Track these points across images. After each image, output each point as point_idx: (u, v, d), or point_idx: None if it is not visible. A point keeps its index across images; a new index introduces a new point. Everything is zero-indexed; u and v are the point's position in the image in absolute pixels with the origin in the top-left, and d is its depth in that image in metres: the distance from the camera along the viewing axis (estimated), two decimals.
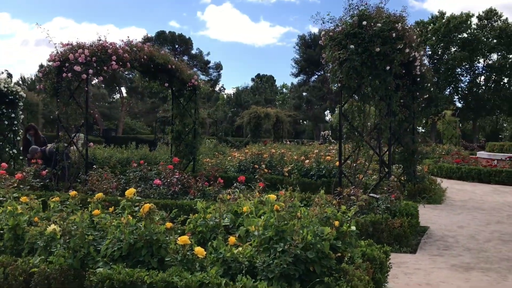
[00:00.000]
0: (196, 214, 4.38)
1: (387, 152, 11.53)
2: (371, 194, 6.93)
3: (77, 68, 9.41)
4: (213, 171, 7.54)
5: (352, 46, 7.16)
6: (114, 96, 59.35)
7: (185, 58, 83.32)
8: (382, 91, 7.25)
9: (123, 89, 57.91)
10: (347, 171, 7.92)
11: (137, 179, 8.61)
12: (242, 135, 41.34)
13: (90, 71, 9.59)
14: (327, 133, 35.22)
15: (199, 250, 3.46)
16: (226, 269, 3.42)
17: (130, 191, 4.57)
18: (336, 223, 3.73)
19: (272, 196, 4.38)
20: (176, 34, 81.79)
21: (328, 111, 67.06)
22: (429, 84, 11.06)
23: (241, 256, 3.48)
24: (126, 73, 56.72)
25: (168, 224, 3.85)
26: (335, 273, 3.59)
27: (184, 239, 3.51)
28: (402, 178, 11.24)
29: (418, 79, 10.73)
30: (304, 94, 70.22)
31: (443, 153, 27.31)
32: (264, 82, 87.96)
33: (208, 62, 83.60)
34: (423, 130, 67.55)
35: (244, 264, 3.43)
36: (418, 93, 10.89)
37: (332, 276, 3.43)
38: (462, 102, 62.19)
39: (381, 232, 6.03)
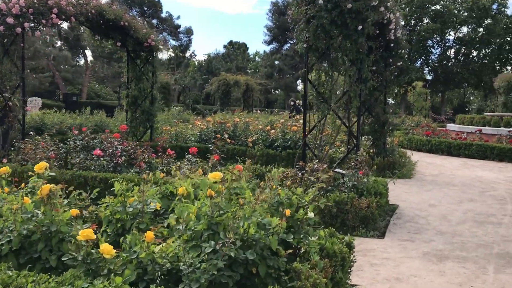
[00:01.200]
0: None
1: (356, 123, 10.91)
2: (336, 170, 6.20)
3: (10, 20, 8.21)
4: (162, 142, 6.62)
5: (321, 1, 6.26)
6: (78, 60, 56.41)
7: (154, 21, 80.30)
8: (352, 54, 6.42)
9: (88, 52, 55.19)
10: (312, 143, 7.17)
11: (78, 148, 7.62)
12: (213, 103, 40.20)
13: (26, 24, 8.41)
14: (298, 102, 34.32)
15: (105, 248, 2.61)
16: (140, 274, 2.60)
17: (40, 166, 3.68)
18: (288, 212, 2.94)
19: (216, 175, 3.56)
20: None
21: (299, 81, 66.18)
22: (403, 51, 10.32)
23: (162, 256, 2.67)
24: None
25: (74, 211, 2.98)
26: (285, 275, 2.83)
27: (86, 233, 2.66)
28: (371, 151, 10.62)
29: (392, 44, 9.97)
30: (276, 62, 69.06)
31: (412, 124, 27.05)
32: (236, 49, 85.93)
33: (179, 26, 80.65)
34: (393, 102, 68.01)
35: (165, 267, 2.62)
36: (391, 60, 10.14)
37: (279, 283, 2.66)
38: (432, 74, 62.46)
39: (346, 213, 5.33)
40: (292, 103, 26.25)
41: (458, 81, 58.73)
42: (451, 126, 19.80)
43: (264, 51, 72.48)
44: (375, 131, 10.31)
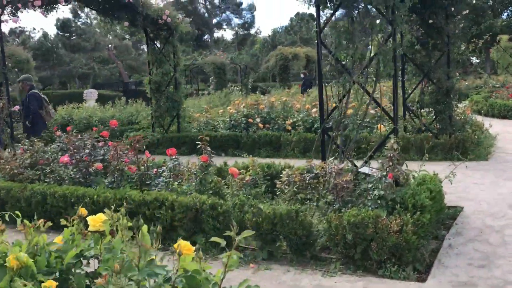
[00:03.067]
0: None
1: (406, 95, 8.72)
2: (361, 169, 4.34)
3: None
4: (135, 141, 5.11)
5: None
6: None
7: (216, 0, 79.46)
8: None
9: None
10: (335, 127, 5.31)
11: (58, 154, 6.39)
12: (273, 80, 38.43)
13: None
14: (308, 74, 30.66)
15: None
16: None
17: None
18: None
19: (96, 220, 1.97)
20: None
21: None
22: None
23: None
24: None
25: None
26: None
27: None
28: (436, 126, 8.44)
29: None
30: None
31: (497, 85, 23.43)
32: (300, 20, 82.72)
33: (241, 3, 79.30)
34: (477, 61, 61.41)
35: None
36: (453, 8, 7.82)
37: None
38: None
39: (368, 241, 3.53)
40: (302, 75, 21.64)
41: None
42: None
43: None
44: (438, 102, 8.12)
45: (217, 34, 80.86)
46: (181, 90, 11.21)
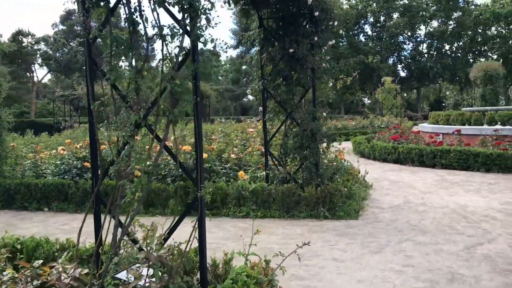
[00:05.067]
0: None
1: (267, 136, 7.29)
2: (120, 275, 2.53)
3: None
4: None
5: None
6: (24, 75, 51.57)
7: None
8: None
9: (36, 65, 50.65)
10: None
11: None
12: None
13: None
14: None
15: None
16: None
17: None
18: None
19: None
20: None
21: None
22: (335, 23, 6.77)
23: None
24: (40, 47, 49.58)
25: None
26: None
27: None
28: (302, 175, 7.05)
29: (317, 13, 6.49)
30: (243, 67, 65.28)
31: (382, 126, 23.69)
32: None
33: None
34: (368, 102, 64.71)
35: None
36: (316, 38, 6.59)
37: None
38: (405, 71, 60.05)
39: None
40: None
41: (432, 76, 56.41)
42: (423, 127, 16.38)
43: (230, 56, 68.43)
44: (302, 146, 6.73)
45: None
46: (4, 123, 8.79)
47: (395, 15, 58.51)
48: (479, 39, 53.95)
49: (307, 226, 6.00)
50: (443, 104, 52.35)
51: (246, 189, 6.75)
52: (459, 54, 56.16)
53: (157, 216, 6.86)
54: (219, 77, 68.43)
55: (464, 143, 11.87)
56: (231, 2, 6.48)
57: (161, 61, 3.05)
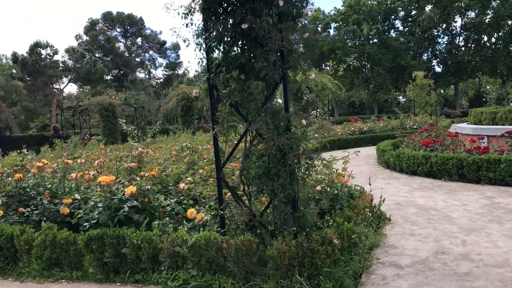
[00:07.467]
0: None
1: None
2: None
3: None
4: None
5: None
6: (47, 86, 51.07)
7: (139, 40, 75.01)
8: None
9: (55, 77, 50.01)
10: None
11: None
12: (173, 122, 34.05)
13: None
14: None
15: None
16: None
17: None
18: None
19: None
20: (125, 14, 73.93)
21: None
22: None
23: None
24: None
25: None
26: None
27: None
28: (273, 218, 4.57)
29: None
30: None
31: (414, 126, 20.73)
32: None
33: (164, 42, 75.91)
34: (403, 100, 60.43)
35: None
36: (287, 4, 4.15)
37: None
38: (441, 66, 56.13)
39: None
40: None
41: (471, 70, 52.25)
42: (462, 128, 13.49)
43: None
44: (268, 174, 4.30)
45: (142, 74, 76.47)
46: None
47: (428, 8, 54.82)
48: None
49: None
50: (484, 100, 48.18)
51: (183, 244, 4.37)
52: (499, 46, 51.83)
53: (62, 283, 4.60)
54: None
55: None
56: None
57: None
